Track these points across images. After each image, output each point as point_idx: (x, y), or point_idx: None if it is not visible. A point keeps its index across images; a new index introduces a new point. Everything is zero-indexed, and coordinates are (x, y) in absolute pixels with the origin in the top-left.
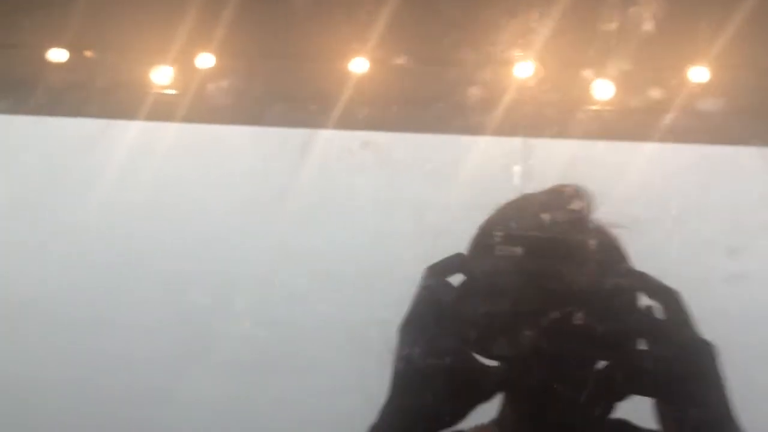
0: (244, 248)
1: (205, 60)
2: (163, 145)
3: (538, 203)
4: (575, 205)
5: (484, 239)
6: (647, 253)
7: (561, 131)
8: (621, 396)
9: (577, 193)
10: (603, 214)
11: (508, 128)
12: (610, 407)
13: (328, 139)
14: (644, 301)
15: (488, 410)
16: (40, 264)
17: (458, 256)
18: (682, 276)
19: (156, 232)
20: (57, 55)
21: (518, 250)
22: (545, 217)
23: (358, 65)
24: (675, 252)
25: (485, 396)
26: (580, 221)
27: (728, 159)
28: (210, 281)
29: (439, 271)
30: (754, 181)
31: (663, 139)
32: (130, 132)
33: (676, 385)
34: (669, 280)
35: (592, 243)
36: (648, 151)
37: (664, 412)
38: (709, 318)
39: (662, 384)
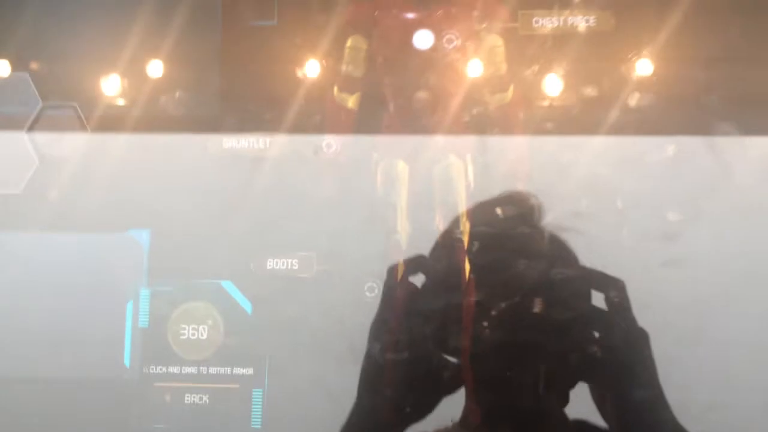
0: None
1: (156, 68)
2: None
3: (491, 208)
4: (526, 209)
5: (442, 240)
6: (592, 244)
7: (511, 128)
8: (573, 383)
9: (528, 198)
10: (552, 214)
11: (458, 127)
12: (565, 397)
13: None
14: (592, 292)
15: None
16: None
17: (419, 257)
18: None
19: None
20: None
21: (472, 246)
22: (498, 217)
23: (311, 68)
24: (618, 241)
25: (446, 388)
26: (531, 223)
27: (668, 149)
28: None
29: (400, 272)
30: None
31: (609, 132)
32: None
33: (622, 370)
34: (613, 268)
35: (543, 240)
36: (594, 144)
37: (604, 399)
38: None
39: (610, 370)
